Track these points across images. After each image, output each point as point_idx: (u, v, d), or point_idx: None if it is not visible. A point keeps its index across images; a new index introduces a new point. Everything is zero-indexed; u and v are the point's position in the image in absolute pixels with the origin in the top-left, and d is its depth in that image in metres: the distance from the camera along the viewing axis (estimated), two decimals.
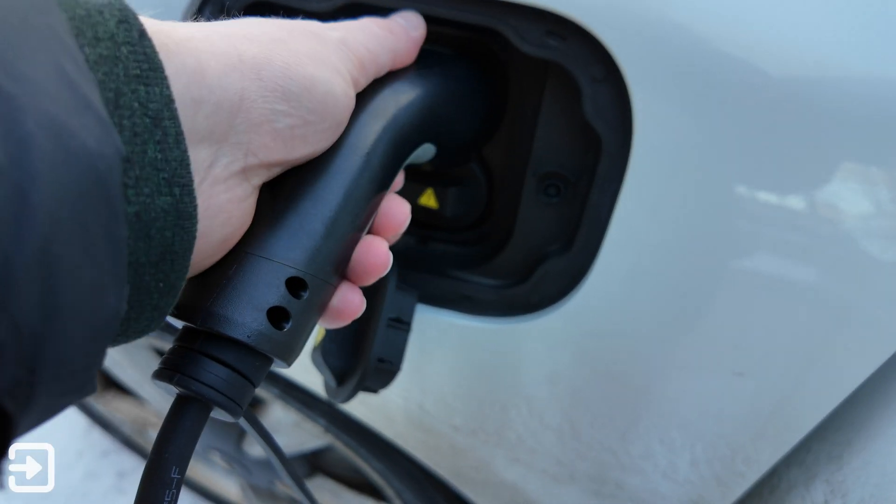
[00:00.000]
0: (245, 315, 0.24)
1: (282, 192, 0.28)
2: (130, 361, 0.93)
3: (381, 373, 0.39)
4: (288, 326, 0.25)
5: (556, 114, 0.40)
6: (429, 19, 0.39)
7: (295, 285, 0.26)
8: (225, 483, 1.30)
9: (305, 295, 0.26)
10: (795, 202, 0.35)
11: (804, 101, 0.31)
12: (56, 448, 1.55)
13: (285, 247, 0.26)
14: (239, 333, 0.24)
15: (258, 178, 0.26)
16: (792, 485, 0.50)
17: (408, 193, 0.47)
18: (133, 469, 1.52)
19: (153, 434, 1.22)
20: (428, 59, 0.37)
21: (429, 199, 0.47)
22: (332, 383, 0.41)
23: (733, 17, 0.31)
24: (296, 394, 0.72)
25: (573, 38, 0.34)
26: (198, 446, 0.88)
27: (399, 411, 0.56)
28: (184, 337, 0.25)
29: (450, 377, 0.51)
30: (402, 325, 0.41)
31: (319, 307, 0.27)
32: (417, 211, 0.49)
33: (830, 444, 0.46)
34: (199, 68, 0.21)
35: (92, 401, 1.20)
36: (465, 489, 0.64)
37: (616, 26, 0.33)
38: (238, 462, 1.02)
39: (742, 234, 0.36)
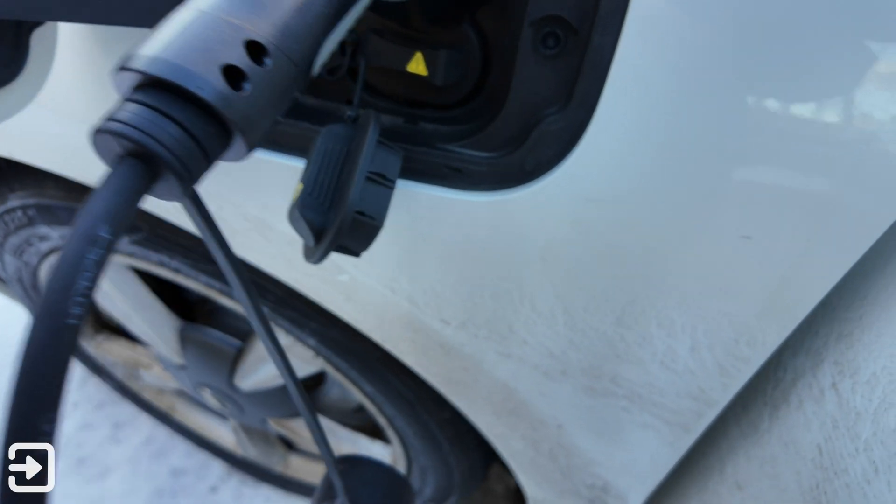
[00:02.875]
0: (199, 66, 0.21)
1: None
2: (114, 287, 0.91)
3: (360, 227, 0.37)
4: (247, 90, 0.22)
5: None
6: None
7: (256, 50, 0.23)
8: (221, 431, 1.30)
9: (269, 63, 0.23)
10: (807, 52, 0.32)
11: None
12: None
13: (249, 10, 0.23)
14: (192, 85, 0.21)
15: None
16: (798, 374, 0.47)
17: (396, 60, 0.44)
18: (129, 420, 1.51)
19: (146, 376, 1.21)
20: None
21: (418, 65, 0.44)
22: (311, 242, 0.38)
23: None
24: (285, 311, 0.70)
25: None
26: (189, 383, 0.87)
27: (388, 307, 0.54)
28: (133, 92, 0.22)
29: (439, 261, 0.48)
30: (386, 182, 0.38)
31: (283, 88, 0.25)
32: (406, 81, 0.46)
33: (840, 323, 0.44)
34: None
35: (84, 344, 1.19)
36: (455, 398, 0.62)
37: None
38: (230, 399, 1.01)
39: (758, 74, 0.33)
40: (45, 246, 0.87)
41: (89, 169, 0.57)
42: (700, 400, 0.49)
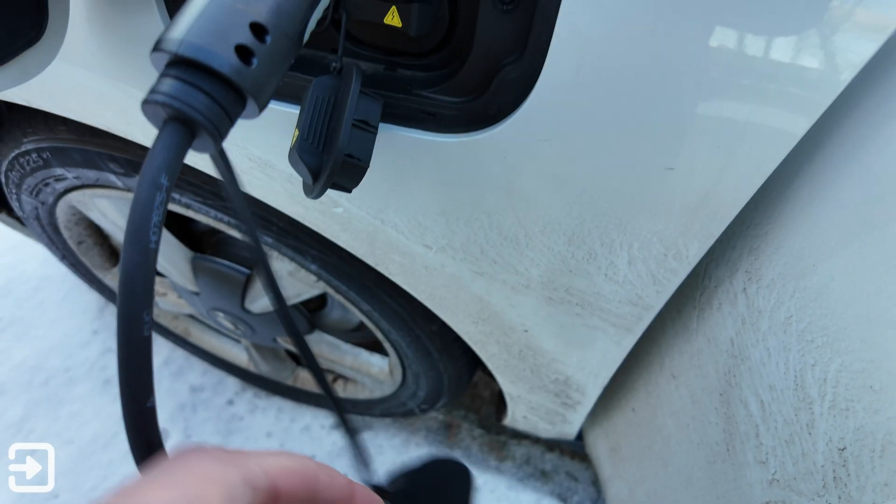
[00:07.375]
0: (218, 47, 0.28)
1: None
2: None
3: (350, 168, 0.44)
4: (255, 63, 0.29)
5: None
6: None
7: (259, 30, 0.30)
8: (234, 351, 1.42)
9: (269, 40, 0.30)
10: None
11: None
12: (72, 327, 1.67)
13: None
14: (215, 63, 0.28)
15: None
16: (719, 282, 0.57)
17: (374, 12, 0.50)
18: None
19: (161, 303, 1.31)
20: None
21: (393, 18, 0.50)
22: (309, 180, 0.46)
23: None
24: (288, 241, 0.79)
25: None
26: (203, 308, 0.97)
27: (378, 235, 0.62)
28: (168, 68, 0.29)
29: (420, 195, 0.56)
30: (369, 127, 0.45)
31: (281, 58, 0.31)
32: (384, 32, 0.51)
33: (751, 238, 0.52)
34: None
35: (100, 276, 1.28)
36: (440, 311, 0.72)
37: None
38: (242, 321, 1.11)
39: (679, 29, 0.39)
40: (60, 186, 0.93)
41: (103, 115, 0.63)
42: (638, 305, 0.59)
